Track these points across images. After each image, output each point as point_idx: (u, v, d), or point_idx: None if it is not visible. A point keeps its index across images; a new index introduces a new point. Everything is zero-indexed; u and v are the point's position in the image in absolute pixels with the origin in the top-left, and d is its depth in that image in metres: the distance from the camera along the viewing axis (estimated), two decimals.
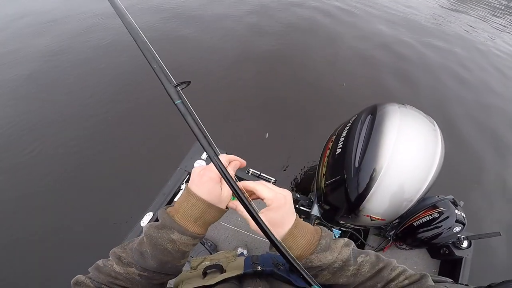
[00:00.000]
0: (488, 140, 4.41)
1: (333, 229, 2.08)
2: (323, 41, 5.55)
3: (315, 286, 0.48)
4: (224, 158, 0.54)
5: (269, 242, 0.50)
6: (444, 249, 2.03)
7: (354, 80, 4.65)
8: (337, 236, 2.12)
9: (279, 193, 0.54)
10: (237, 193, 0.49)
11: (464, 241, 1.89)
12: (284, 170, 2.85)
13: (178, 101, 0.54)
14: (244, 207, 0.49)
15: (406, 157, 1.18)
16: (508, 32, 9.27)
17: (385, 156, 1.17)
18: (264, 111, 3.56)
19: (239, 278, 0.63)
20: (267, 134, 3.21)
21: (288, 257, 0.48)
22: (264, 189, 0.54)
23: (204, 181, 0.52)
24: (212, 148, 0.51)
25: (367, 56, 5.43)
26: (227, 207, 0.57)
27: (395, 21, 7.26)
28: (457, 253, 1.99)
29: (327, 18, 6.52)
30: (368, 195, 1.22)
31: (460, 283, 1.72)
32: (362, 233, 2.06)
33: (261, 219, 0.48)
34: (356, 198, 1.27)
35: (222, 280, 0.60)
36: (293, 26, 5.80)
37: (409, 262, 2.13)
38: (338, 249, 0.54)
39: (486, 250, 2.99)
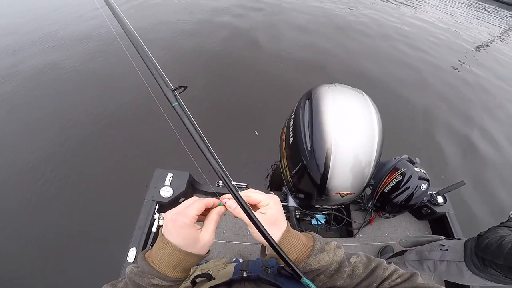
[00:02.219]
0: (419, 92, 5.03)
1: (316, 215, 2.13)
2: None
3: (304, 279, 0.49)
4: None
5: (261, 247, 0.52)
6: (425, 209, 2.12)
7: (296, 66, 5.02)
8: (322, 221, 2.16)
9: (270, 195, 0.57)
10: (238, 201, 0.51)
11: (437, 196, 1.99)
12: (253, 172, 2.87)
13: (175, 104, 0.58)
14: (245, 212, 0.51)
15: (349, 128, 1.25)
16: None
17: (330, 132, 1.23)
18: (219, 116, 3.61)
19: (228, 285, 0.63)
20: (256, 131, 3.28)
21: (276, 247, 0.50)
22: (257, 193, 0.57)
23: (178, 227, 0.50)
24: (208, 149, 0.54)
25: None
26: (209, 251, 0.56)
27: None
28: (438, 210, 2.08)
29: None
30: (329, 173, 1.26)
31: (454, 238, 1.80)
32: (345, 212, 2.13)
33: (261, 223, 0.50)
34: (320, 179, 1.31)
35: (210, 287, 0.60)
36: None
37: (400, 229, 2.21)
38: (332, 250, 0.55)
39: (465, 204, 3.16)
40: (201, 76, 4.26)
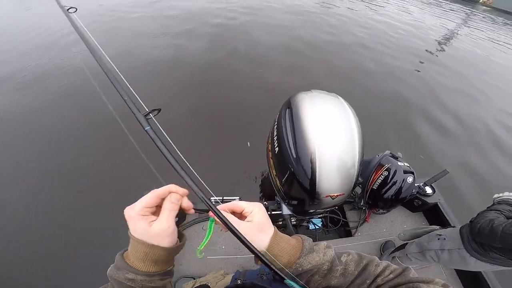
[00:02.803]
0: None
1: (312, 220, 2.15)
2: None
3: (288, 280, 0.51)
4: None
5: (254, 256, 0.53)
6: (416, 201, 2.16)
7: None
8: (319, 225, 2.18)
9: (253, 202, 0.60)
10: (215, 213, 0.52)
11: (425, 187, 2.05)
12: (244, 184, 2.89)
13: (147, 128, 0.59)
14: (223, 223, 0.52)
15: (329, 131, 1.30)
16: None
17: (312, 138, 1.28)
18: (205, 130, 3.61)
19: None
20: (248, 143, 3.29)
21: (253, 248, 0.51)
22: (240, 203, 0.59)
23: (129, 221, 0.51)
24: (182, 168, 0.55)
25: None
26: (182, 242, 0.57)
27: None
28: (429, 200, 2.12)
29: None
30: (317, 178, 1.29)
31: (449, 226, 1.84)
32: (340, 214, 2.15)
33: (239, 231, 0.51)
34: (309, 184, 1.34)
35: None
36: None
37: (397, 224, 2.25)
38: (322, 250, 0.56)
39: (455, 191, 3.25)
40: (182, 93, 4.27)
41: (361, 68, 5.99)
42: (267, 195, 2.78)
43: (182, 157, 0.59)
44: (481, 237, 1.34)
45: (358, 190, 1.96)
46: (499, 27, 15.17)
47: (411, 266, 1.81)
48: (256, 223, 0.55)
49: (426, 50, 7.99)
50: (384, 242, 2.15)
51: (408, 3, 15.14)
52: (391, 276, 0.55)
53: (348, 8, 11.05)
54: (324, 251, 0.56)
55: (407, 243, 1.86)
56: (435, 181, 1.99)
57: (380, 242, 2.16)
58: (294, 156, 1.33)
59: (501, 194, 1.49)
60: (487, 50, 9.67)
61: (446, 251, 1.56)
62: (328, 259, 0.55)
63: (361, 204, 2.02)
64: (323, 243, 0.59)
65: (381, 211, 2.11)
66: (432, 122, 4.62)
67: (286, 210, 1.79)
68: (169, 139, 0.61)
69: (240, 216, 0.58)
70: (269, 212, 1.89)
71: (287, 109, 1.47)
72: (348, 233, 2.21)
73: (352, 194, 2.05)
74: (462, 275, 1.97)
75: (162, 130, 0.61)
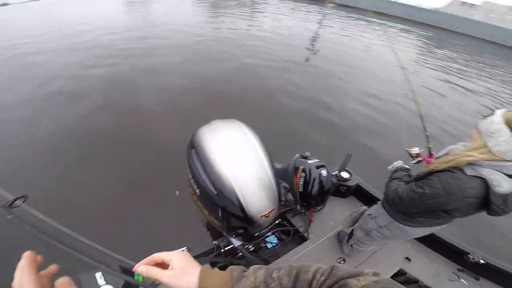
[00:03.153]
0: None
1: (266, 239, 2.23)
2: None
3: None
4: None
5: None
6: (341, 187, 2.37)
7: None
8: (276, 241, 2.26)
9: (173, 251, 0.62)
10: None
11: (341, 173, 2.31)
12: (189, 233, 2.78)
13: (9, 217, 0.58)
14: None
15: (236, 156, 1.42)
16: None
17: (224, 169, 1.37)
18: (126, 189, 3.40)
19: None
20: (177, 192, 3.14)
21: None
22: (157, 254, 0.61)
23: None
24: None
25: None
26: None
27: None
28: (350, 183, 2.34)
29: None
30: (244, 204, 1.39)
31: (376, 203, 1.96)
32: (287, 224, 2.26)
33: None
34: (242, 212, 1.42)
35: None
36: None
37: (337, 213, 2.40)
38: (251, 273, 0.58)
39: (369, 168, 3.58)
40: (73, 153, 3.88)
41: (244, 86, 6.56)
42: (214, 235, 2.68)
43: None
44: (397, 206, 1.43)
45: (291, 197, 2.12)
46: (345, 19, 19.96)
47: (373, 246, 1.98)
48: (177, 268, 0.58)
49: (299, 55, 9.48)
50: (336, 234, 2.27)
51: (277, 13, 17.92)
52: (323, 278, 0.56)
53: (229, 28, 12.24)
54: (255, 274, 0.58)
55: (353, 229, 1.95)
56: (345, 165, 2.26)
57: (334, 236, 2.27)
58: (215, 192, 1.40)
59: (393, 164, 1.63)
60: (342, 41, 12.33)
61: (384, 228, 1.62)
62: (260, 280, 0.57)
63: (299, 208, 2.16)
64: (253, 267, 0.61)
65: (318, 208, 2.26)
66: (320, 119, 5.38)
67: (236, 242, 1.84)
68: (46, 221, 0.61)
69: (164, 266, 0.61)
70: (222, 250, 1.92)
71: (192, 149, 1.51)
72: (304, 238, 2.29)
73: (287, 203, 2.19)
74: (421, 240, 2.16)
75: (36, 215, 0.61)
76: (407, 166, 1.61)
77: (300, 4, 24.15)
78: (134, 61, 7.46)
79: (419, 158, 1.80)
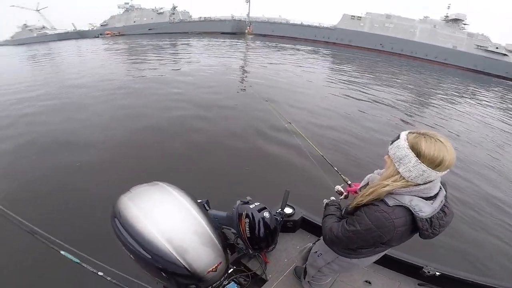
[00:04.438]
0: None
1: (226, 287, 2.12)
2: None
3: None
4: None
5: None
6: (288, 223, 2.43)
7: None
8: (236, 287, 2.15)
9: None
10: None
11: (284, 210, 2.32)
12: None
13: None
14: None
15: (165, 217, 1.40)
16: None
17: (155, 234, 1.32)
18: None
19: None
20: None
21: None
22: None
23: None
24: None
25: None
26: None
27: None
28: (296, 217, 2.41)
29: None
30: (186, 263, 1.34)
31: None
32: (243, 270, 2.23)
33: None
34: (187, 271, 1.36)
35: None
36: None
37: (290, 249, 2.43)
38: None
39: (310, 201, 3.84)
40: None
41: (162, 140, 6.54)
42: None
43: None
44: (337, 245, 1.43)
45: (241, 242, 2.09)
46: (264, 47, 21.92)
47: (329, 279, 1.97)
48: None
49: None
50: (293, 270, 2.25)
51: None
52: None
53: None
54: None
55: (305, 266, 1.93)
56: (285, 202, 2.31)
57: (291, 273, 2.25)
58: (149, 256, 1.32)
59: (324, 202, 1.64)
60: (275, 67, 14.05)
61: (332, 263, 1.61)
62: None
63: (251, 252, 2.14)
64: None
65: (270, 248, 2.26)
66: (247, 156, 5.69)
67: None
68: None
69: None
70: None
71: (115, 219, 1.42)
72: (263, 280, 2.24)
73: (240, 248, 2.18)
74: (377, 261, 2.28)
75: None
76: (334, 198, 1.65)
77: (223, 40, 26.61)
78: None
79: (345, 193, 1.87)
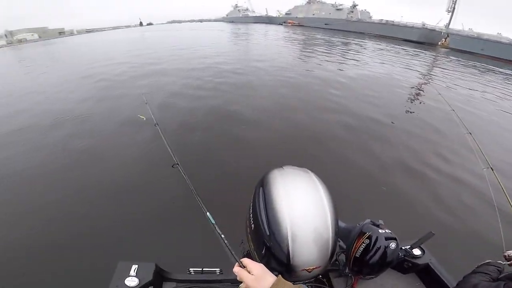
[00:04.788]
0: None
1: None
2: None
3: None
4: None
5: None
6: (406, 263, 2.07)
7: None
8: None
9: (255, 263, 1.00)
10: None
11: (413, 250, 1.98)
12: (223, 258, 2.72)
13: None
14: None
15: (301, 204, 1.35)
16: None
17: (285, 214, 1.32)
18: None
19: None
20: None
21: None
22: (245, 260, 1.02)
23: None
24: None
25: None
26: None
27: None
28: (419, 261, 2.03)
29: None
30: (291, 253, 1.31)
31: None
32: (326, 282, 2.01)
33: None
34: (286, 259, 1.34)
35: None
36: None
37: (388, 287, 2.11)
38: None
39: (446, 251, 3.10)
40: None
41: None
42: None
43: None
44: None
45: (343, 258, 1.90)
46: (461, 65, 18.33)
47: None
48: (255, 274, 0.93)
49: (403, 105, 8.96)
50: None
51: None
52: None
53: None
54: None
55: None
56: (421, 243, 1.95)
57: None
58: (268, 233, 1.36)
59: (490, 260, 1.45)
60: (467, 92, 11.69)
61: None
62: None
63: (346, 271, 1.93)
64: None
65: (368, 276, 1.99)
66: (408, 186, 4.82)
67: None
68: None
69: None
70: None
71: (261, 188, 1.52)
72: None
73: (336, 262, 1.99)
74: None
75: None
76: (500, 262, 1.41)
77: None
78: None
79: None
